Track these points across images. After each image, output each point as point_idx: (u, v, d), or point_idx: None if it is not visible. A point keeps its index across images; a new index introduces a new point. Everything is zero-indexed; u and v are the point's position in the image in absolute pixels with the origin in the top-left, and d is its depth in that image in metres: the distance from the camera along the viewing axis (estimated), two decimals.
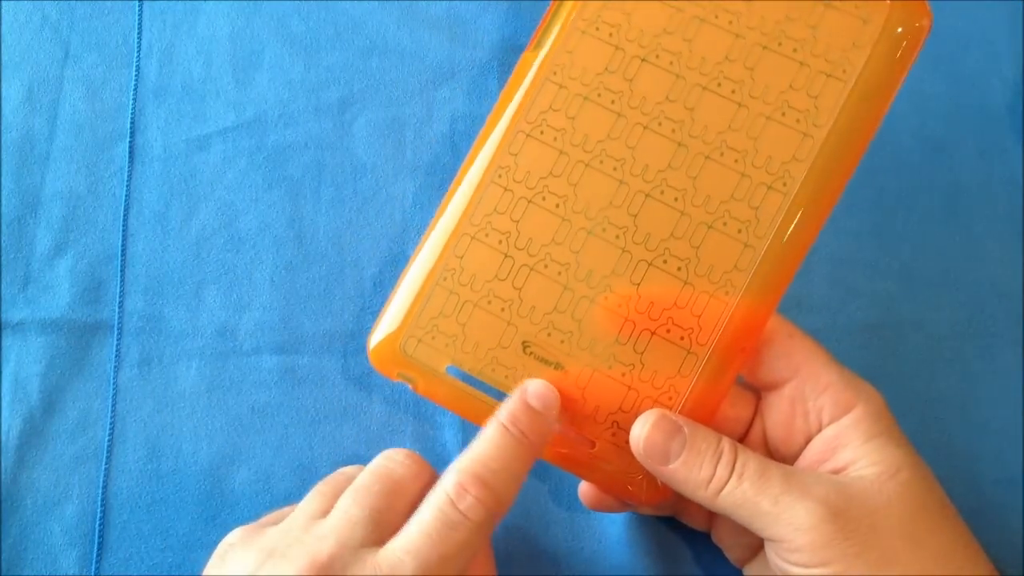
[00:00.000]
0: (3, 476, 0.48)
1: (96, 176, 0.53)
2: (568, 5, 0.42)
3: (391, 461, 0.41)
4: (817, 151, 0.39)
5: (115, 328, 0.51)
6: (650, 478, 0.41)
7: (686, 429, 0.39)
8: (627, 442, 0.40)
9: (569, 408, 0.40)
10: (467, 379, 0.41)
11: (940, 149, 0.54)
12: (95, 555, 0.47)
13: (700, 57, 0.40)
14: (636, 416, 0.40)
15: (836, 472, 0.39)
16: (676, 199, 0.40)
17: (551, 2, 0.42)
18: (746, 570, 0.44)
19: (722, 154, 0.40)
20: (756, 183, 0.40)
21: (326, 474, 0.43)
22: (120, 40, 0.55)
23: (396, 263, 0.52)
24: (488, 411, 0.40)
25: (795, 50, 0.40)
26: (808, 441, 0.41)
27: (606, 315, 0.40)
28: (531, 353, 0.41)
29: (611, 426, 0.40)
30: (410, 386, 0.42)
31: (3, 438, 0.48)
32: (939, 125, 0.55)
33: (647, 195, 0.40)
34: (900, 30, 0.39)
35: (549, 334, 0.41)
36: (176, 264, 0.52)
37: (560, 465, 0.41)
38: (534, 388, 0.40)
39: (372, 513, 0.38)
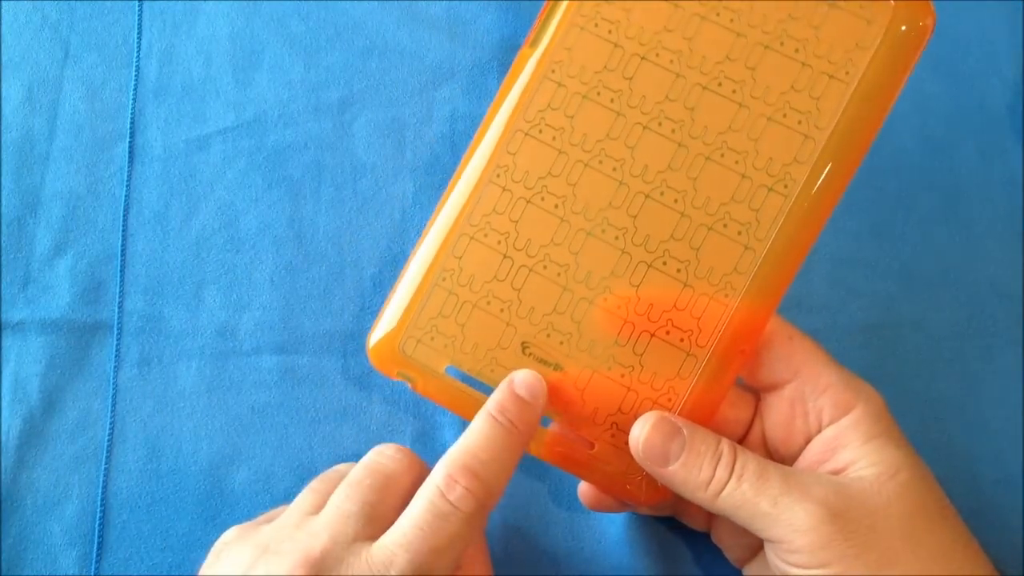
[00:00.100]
0: (3, 476, 0.48)
1: (96, 176, 0.53)
2: (566, 1, 0.41)
3: (382, 456, 0.41)
4: (818, 153, 0.39)
5: (115, 328, 0.50)
6: (649, 479, 0.41)
7: (685, 431, 0.39)
8: (626, 443, 0.40)
9: (568, 409, 0.40)
10: (466, 379, 0.41)
11: (940, 149, 0.54)
12: (95, 555, 0.47)
13: (701, 56, 0.40)
14: (635, 417, 0.40)
15: (836, 473, 0.39)
16: (676, 200, 0.40)
17: None
18: (746, 570, 0.44)
19: (722, 155, 0.40)
20: (757, 185, 0.40)
21: None
22: (120, 40, 0.55)
23: (396, 263, 0.52)
24: None
25: (797, 50, 0.40)
26: (808, 442, 0.41)
27: (605, 316, 0.40)
28: (530, 354, 0.41)
29: (610, 427, 0.40)
30: (409, 385, 0.42)
31: (3, 438, 0.48)
32: (939, 125, 0.55)
33: (647, 196, 0.40)
34: (904, 30, 0.39)
35: (548, 335, 0.41)
36: (176, 264, 0.52)
37: (559, 466, 0.41)
38: (521, 378, 0.40)
39: (364, 507, 0.38)
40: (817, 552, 0.37)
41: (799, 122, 0.39)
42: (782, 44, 0.40)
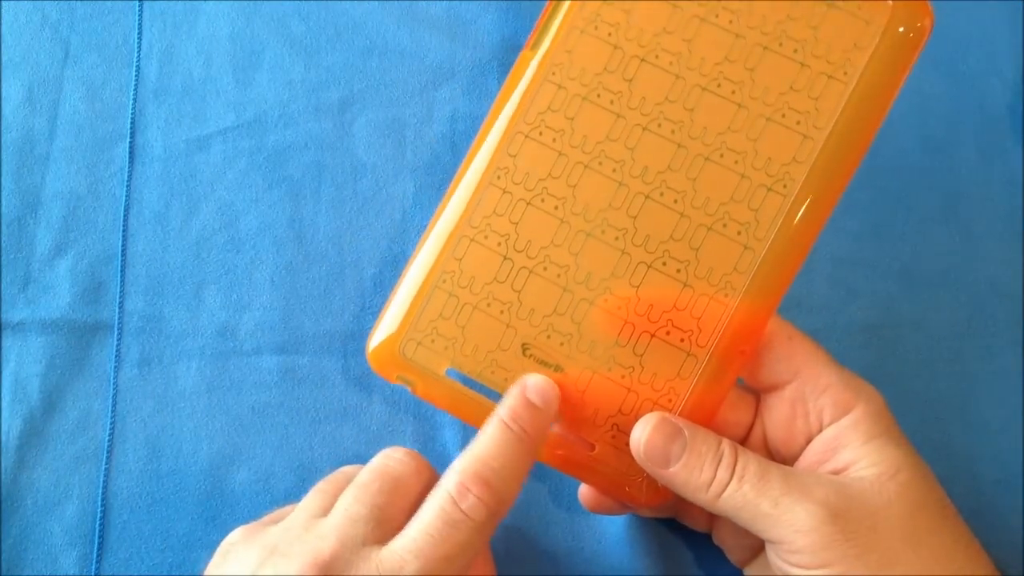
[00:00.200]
0: (3, 476, 0.48)
1: (96, 176, 0.53)
2: (566, 3, 0.41)
3: (391, 459, 0.41)
4: (817, 153, 0.39)
5: (115, 328, 0.51)
6: (650, 480, 0.41)
7: (686, 432, 0.39)
8: (627, 445, 0.40)
9: (569, 411, 0.40)
10: (466, 382, 0.41)
11: (940, 149, 0.54)
12: (95, 555, 0.47)
13: (700, 57, 0.40)
14: (636, 418, 0.40)
15: (836, 473, 0.39)
16: (675, 201, 0.40)
17: (549, 0, 0.42)
18: (747, 571, 0.44)
19: (722, 155, 0.40)
20: (756, 185, 0.40)
21: (326, 474, 0.43)
22: (120, 40, 0.55)
23: (396, 263, 0.52)
24: (487, 414, 0.40)
25: (796, 51, 0.40)
26: (809, 442, 0.41)
27: (605, 317, 0.40)
28: (531, 355, 0.41)
29: (611, 428, 0.40)
30: (409, 389, 0.42)
31: (3, 438, 0.48)
32: (939, 125, 0.55)
33: (646, 197, 0.40)
34: (902, 30, 0.39)
35: (549, 336, 0.41)
36: (176, 264, 0.52)
37: (559, 468, 0.41)
38: (533, 383, 0.40)
39: (373, 511, 0.38)
40: (818, 553, 0.37)
41: (798, 122, 0.39)
42: (781, 45, 0.40)
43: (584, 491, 0.44)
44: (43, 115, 0.54)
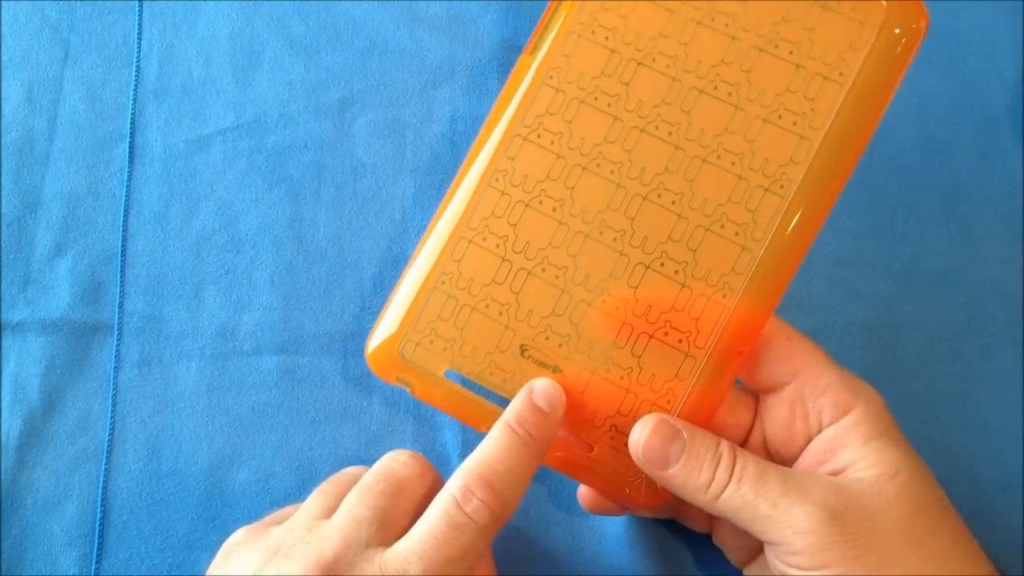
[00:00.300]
0: (3, 476, 0.48)
1: (96, 176, 0.53)
2: (564, 8, 0.41)
3: (395, 461, 0.41)
4: (814, 154, 0.39)
5: (115, 328, 0.51)
6: (649, 481, 0.41)
7: (685, 433, 0.39)
8: (625, 446, 0.40)
9: (567, 412, 0.40)
10: (465, 383, 0.41)
11: (940, 149, 0.54)
12: (95, 555, 0.47)
13: (696, 60, 0.40)
14: (634, 420, 0.40)
15: (835, 474, 0.39)
16: (673, 202, 0.40)
17: (548, 5, 0.42)
18: (747, 571, 0.44)
19: (719, 157, 0.40)
20: (753, 186, 0.40)
21: (326, 474, 0.43)
22: (120, 40, 0.55)
23: (396, 263, 0.52)
24: (486, 415, 0.40)
25: (791, 52, 0.40)
26: (808, 443, 0.41)
27: (604, 318, 0.40)
28: (529, 357, 0.41)
29: (609, 430, 0.40)
30: (408, 390, 0.42)
31: (3, 438, 0.49)
32: (939, 125, 0.55)
33: (644, 198, 0.40)
34: (897, 31, 0.39)
35: (547, 338, 0.41)
36: (176, 264, 0.52)
37: (558, 469, 0.41)
38: (540, 387, 0.40)
39: (377, 513, 0.38)
40: (817, 554, 0.37)
41: (794, 123, 0.39)
42: (776, 47, 0.40)
43: (583, 492, 0.44)
44: (43, 115, 0.54)
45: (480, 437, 0.40)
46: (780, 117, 0.39)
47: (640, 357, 0.40)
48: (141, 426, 0.49)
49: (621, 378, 0.40)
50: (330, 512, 0.39)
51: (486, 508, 0.37)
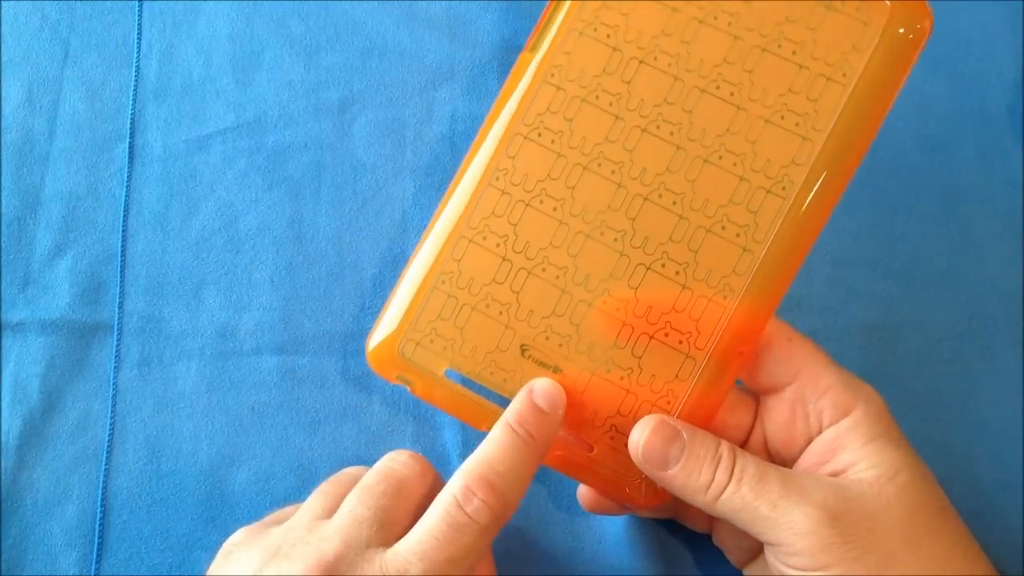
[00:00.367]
0: (3, 476, 0.48)
1: (96, 176, 0.53)
2: (565, 6, 0.41)
3: (395, 462, 0.41)
4: (816, 155, 0.39)
5: (115, 328, 0.51)
6: (649, 482, 0.41)
7: (685, 434, 0.39)
8: (625, 446, 0.40)
9: (567, 412, 0.40)
10: (465, 382, 0.41)
11: (940, 149, 0.54)
12: (95, 555, 0.47)
13: (699, 59, 0.40)
14: (634, 420, 0.40)
15: (835, 474, 0.39)
16: (674, 203, 0.40)
17: (548, 2, 0.42)
18: (747, 572, 0.44)
19: (720, 157, 0.40)
20: (755, 187, 0.39)
21: (326, 474, 0.43)
22: (120, 40, 0.55)
23: (396, 263, 0.52)
24: (486, 415, 0.40)
25: (795, 52, 0.39)
26: (808, 444, 0.41)
27: (604, 319, 0.40)
28: (529, 356, 0.41)
29: (609, 430, 0.40)
30: (408, 389, 0.42)
31: (3, 438, 0.49)
32: (939, 125, 0.55)
33: (645, 198, 0.40)
34: (901, 32, 0.39)
35: (547, 338, 0.41)
36: (176, 264, 0.52)
37: (558, 469, 0.41)
38: (540, 387, 0.40)
39: (378, 513, 0.38)
40: (817, 555, 0.37)
41: (797, 124, 0.39)
42: (779, 47, 0.40)
43: (583, 492, 0.44)
44: (43, 115, 0.54)
45: (480, 437, 0.39)
46: (783, 118, 0.39)
47: (640, 358, 0.40)
48: (141, 426, 0.49)
49: (621, 379, 0.40)
50: (330, 512, 0.39)
51: (487, 508, 0.37)
